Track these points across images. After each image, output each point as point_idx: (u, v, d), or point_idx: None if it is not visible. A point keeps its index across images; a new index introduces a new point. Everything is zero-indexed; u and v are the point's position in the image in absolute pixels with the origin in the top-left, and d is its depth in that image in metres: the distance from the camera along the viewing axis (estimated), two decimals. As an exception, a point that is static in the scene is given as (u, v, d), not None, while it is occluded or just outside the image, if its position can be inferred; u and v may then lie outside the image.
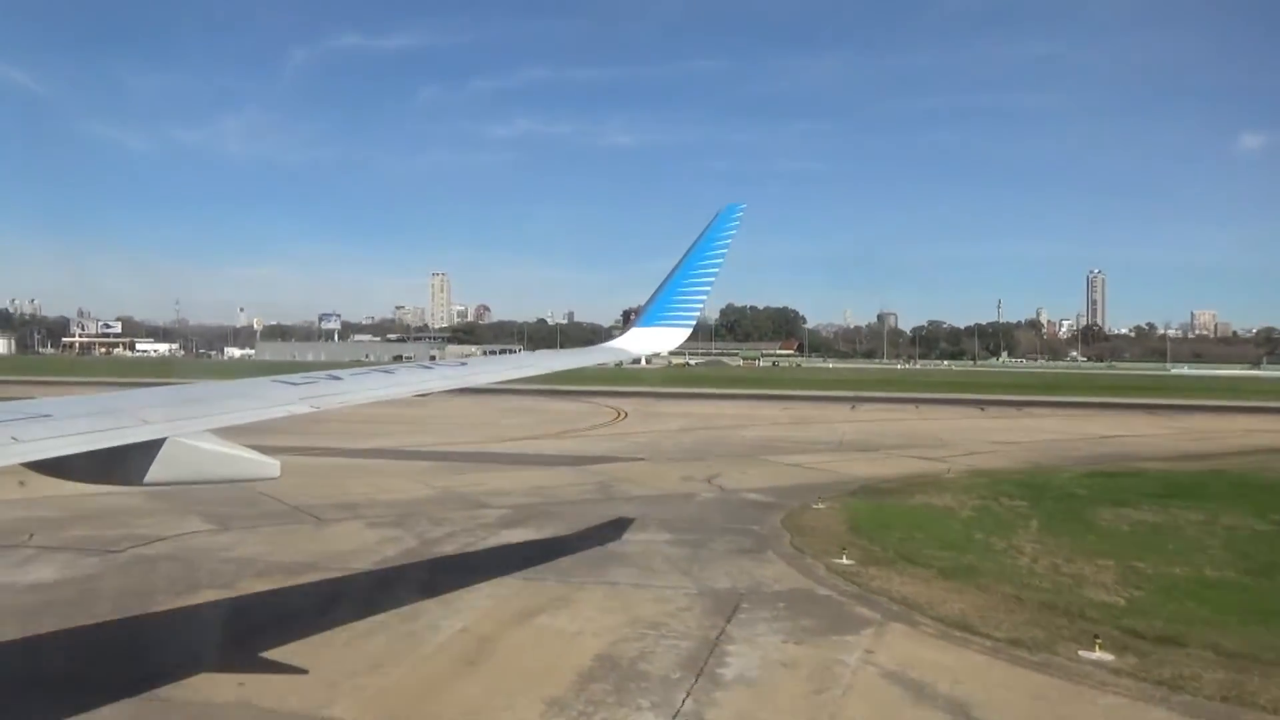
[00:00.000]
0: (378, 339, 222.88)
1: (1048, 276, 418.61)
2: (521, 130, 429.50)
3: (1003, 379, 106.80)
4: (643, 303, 10.36)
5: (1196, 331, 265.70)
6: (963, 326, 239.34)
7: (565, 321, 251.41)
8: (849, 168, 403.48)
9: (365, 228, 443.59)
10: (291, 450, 25.05)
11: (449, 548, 14.86)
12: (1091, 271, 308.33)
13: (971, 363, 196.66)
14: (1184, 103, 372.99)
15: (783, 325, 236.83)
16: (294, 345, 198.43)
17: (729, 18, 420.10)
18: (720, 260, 9.64)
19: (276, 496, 18.12)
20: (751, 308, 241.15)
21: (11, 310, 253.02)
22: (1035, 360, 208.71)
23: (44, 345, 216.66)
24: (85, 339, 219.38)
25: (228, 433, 5.45)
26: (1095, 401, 59.97)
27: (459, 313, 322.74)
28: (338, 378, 6.67)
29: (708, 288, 9.70)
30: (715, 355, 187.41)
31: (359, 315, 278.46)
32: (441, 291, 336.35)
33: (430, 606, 11.12)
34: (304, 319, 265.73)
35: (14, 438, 4.97)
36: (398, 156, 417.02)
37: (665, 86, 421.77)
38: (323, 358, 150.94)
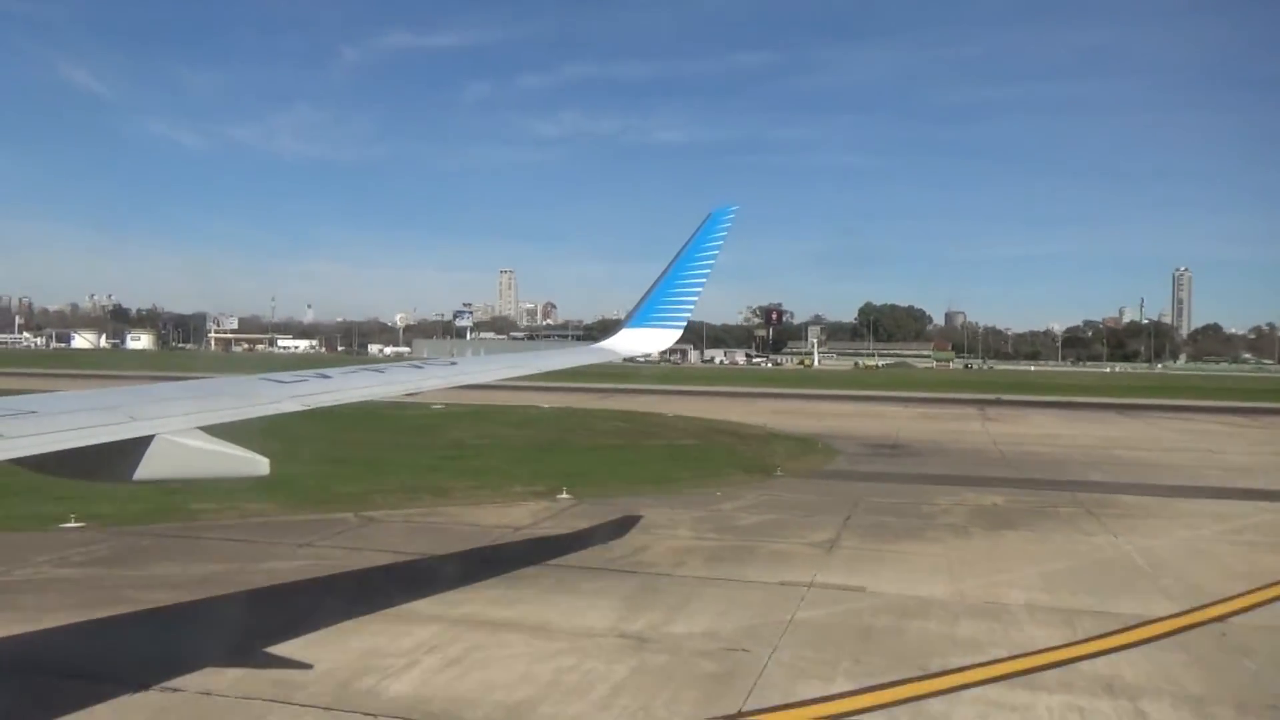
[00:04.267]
0: (503, 336, 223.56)
1: (1123, 275, 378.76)
2: (570, 126, 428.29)
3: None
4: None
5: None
6: (1122, 326, 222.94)
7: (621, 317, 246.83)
8: (897, 163, 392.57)
9: (418, 224, 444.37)
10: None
11: None
12: (1177, 270, 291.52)
13: (1148, 366, 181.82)
14: (1248, 94, 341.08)
15: (912, 324, 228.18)
16: (449, 342, 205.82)
17: (780, 11, 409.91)
18: (711, 263, 9.53)
19: None
20: (891, 306, 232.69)
21: (129, 307, 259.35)
22: (1218, 363, 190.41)
23: (178, 342, 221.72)
24: (219, 335, 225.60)
25: (218, 430, 5.13)
26: None
27: (528, 310, 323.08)
28: (326, 376, 6.47)
29: (698, 290, 9.65)
30: (903, 357, 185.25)
31: (426, 312, 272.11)
32: (509, 289, 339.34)
33: None
34: (368, 314, 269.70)
35: (0, 434, 4.75)
36: (447, 153, 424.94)
37: (713, 81, 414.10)
38: (482, 353, 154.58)
